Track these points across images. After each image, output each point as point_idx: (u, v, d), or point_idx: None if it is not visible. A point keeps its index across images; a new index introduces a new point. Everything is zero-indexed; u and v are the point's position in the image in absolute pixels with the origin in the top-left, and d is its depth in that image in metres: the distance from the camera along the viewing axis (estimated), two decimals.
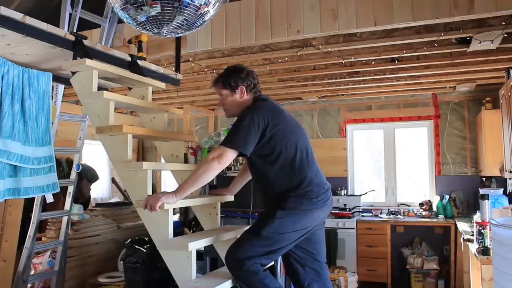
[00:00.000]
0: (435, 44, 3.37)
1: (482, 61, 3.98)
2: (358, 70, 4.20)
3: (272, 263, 2.48)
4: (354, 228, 5.07)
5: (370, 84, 4.84)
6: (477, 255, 2.85)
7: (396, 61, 3.89)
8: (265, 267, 2.16)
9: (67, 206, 3.45)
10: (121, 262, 4.12)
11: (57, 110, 3.17)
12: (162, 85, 2.88)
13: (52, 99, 2.80)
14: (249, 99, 2.34)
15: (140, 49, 2.94)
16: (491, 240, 2.75)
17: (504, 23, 2.93)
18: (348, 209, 5.41)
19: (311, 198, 2.17)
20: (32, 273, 3.60)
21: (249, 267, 2.07)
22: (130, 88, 2.83)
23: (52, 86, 2.79)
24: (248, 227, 2.47)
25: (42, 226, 3.97)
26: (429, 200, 5.33)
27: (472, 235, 3.37)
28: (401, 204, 5.57)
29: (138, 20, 2.19)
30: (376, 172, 5.97)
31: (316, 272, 2.31)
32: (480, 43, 3.21)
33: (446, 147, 5.42)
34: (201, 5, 2.15)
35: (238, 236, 2.45)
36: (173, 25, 2.22)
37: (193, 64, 3.97)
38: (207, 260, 3.29)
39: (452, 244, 4.80)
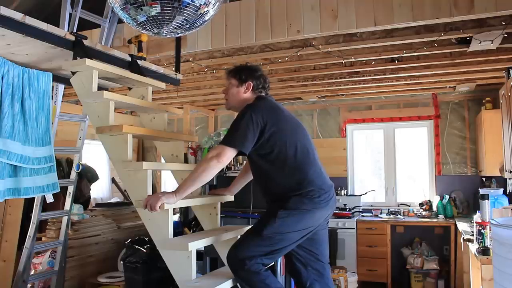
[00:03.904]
0: (435, 44, 3.37)
1: (482, 61, 3.97)
2: (358, 70, 4.20)
3: (273, 262, 2.48)
4: (354, 228, 5.07)
5: (370, 84, 4.84)
6: (477, 255, 2.85)
7: (396, 61, 3.89)
8: (266, 267, 2.15)
9: (67, 206, 3.45)
10: (121, 262, 4.12)
11: (57, 110, 3.17)
12: (162, 85, 2.88)
13: (52, 99, 2.80)
14: (251, 97, 2.35)
15: (140, 49, 2.94)
16: (491, 240, 2.74)
17: (504, 23, 2.93)
18: (348, 209, 5.42)
19: (313, 198, 2.16)
20: (32, 273, 3.60)
21: (250, 267, 2.07)
22: (130, 88, 2.83)
23: (52, 86, 2.79)
24: (248, 227, 2.48)
25: (42, 226, 3.96)
26: (429, 200, 5.33)
27: (472, 235, 3.37)
28: (401, 204, 5.57)
29: (138, 20, 2.19)
30: (376, 172, 5.97)
31: (318, 272, 2.30)
32: (480, 43, 3.21)
33: (446, 147, 5.42)
34: (201, 5, 2.14)
35: (238, 236, 2.45)
36: (173, 25, 2.22)
37: (193, 64, 3.97)
38: (207, 260, 3.29)
39: (452, 244, 4.80)
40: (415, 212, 5.32)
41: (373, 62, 3.97)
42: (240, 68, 2.40)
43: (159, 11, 2.11)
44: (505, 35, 3.08)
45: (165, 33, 2.32)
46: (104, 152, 3.51)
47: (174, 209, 2.27)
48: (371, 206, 5.61)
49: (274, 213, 2.14)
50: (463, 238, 3.62)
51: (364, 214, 5.46)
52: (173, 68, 3.27)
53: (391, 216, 5.29)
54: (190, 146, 5.03)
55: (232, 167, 4.51)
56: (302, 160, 2.21)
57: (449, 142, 5.42)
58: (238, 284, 2.27)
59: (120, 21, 3.22)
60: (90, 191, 5.47)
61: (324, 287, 2.30)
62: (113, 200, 6.01)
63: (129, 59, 2.82)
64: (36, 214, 3.13)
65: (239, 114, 2.22)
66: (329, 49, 3.49)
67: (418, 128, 5.72)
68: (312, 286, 2.27)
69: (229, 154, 2.13)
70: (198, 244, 2.13)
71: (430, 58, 3.88)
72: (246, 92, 2.35)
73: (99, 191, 6.09)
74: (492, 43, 3.19)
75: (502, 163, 4.07)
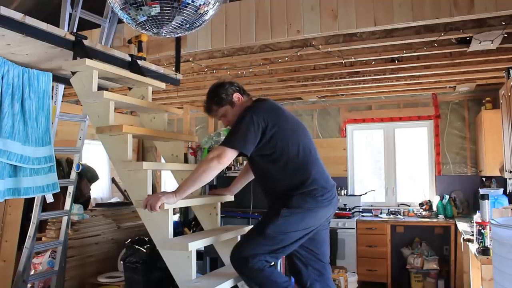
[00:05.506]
0: (435, 44, 3.37)
1: (482, 61, 3.97)
2: (358, 70, 4.20)
3: (276, 261, 2.48)
4: (354, 228, 5.07)
5: (370, 84, 4.84)
6: (477, 255, 2.85)
7: (396, 61, 3.89)
8: (270, 264, 2.16)
9: (67, 206, 3.44)
10: (121, 262, 4.12)
11: (57, 110, 3.17)
12: (162, 85, 2.88)
13: (52, 99, 2.80)
14: (247, 100, 2.37)
15: (140, 49, 2.94)
16: (491, 240, 2.75)
17: (504, 23, 2.93)
18: (348, 209, 5.41)
19: (316, 196, 2.16)
20: (32, 273, 3.60)
21: (254, 265, 2.08)
22: (130, 88, 2.83)
23: (52, 86, 2.78)
24: (249, 227, 2.48)
25: (42, 226, 3.96)
26: (429, 200, 5.33)
27: (472, 235, 3.37)
28: (401, 204, 5.57)
29: (138, 20, 2.19)
30: (376, 172, 5.97)
31: (319, 272, 2.31)
32: (480, 43, 3.21)
33: (446, 147, 5.42)
34: (200, 5, 2.14)
35: (238, 236, 2.45)
36: (172, 25, 2.22)
37: (193, 64, 3.97)
38: (207, 260, 3.30)
39: (452, 244, 4.80)
40: (415, 212, 5.32)
41: (373, 62, 3.97)
42: (215, 96, 2.34)
43: (159, 11, 2.11)
44: (505, 35, 3.08)
45: (165, 33, 2.32)
46: (104, 152, 3.51)
47: (174, 209, 2.27)
48: (371, 206, 5.61)
49: (277, 212, 2.14)
50: (463, 238, 3.62)
51: (364, 214, 5.46)
52: (173, 68, 3.27)
53: (391, 216, 5.29)
54: (190, 146, 5.03)
55: (232, 167, 4.50)
56: (305, 159, 2.21)
57: (449, 142, 5.42)
58: (237, 285, 2.27)
59: (120, 21, 3.22)
60: (90, 191, 5.47)
61: (325, 287, 2.31)
62: (113, 200, 6.01)
63: (129, 59, 2.82)
64: (36, 214, 3.13)
65: (239, 116, 2.22)
66: (329, 49, 3.49)
67: (418, 128, 5.72)
68: (312, 286, 2.28)
69: (230, 155, 2.13)
70: (198, 244, 2.13)
71: (430, 58, 3.88)
72: (240, 100, 2.35)
73: (99, 191, 6.09)
74: (492, 43, 3.19)
75: (502, 163, 4.07)
